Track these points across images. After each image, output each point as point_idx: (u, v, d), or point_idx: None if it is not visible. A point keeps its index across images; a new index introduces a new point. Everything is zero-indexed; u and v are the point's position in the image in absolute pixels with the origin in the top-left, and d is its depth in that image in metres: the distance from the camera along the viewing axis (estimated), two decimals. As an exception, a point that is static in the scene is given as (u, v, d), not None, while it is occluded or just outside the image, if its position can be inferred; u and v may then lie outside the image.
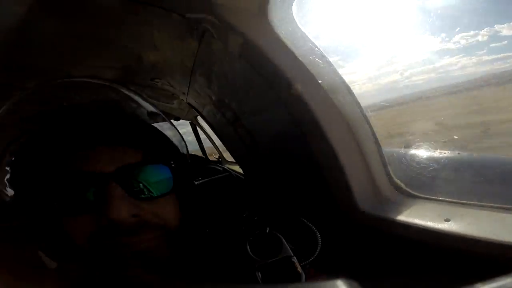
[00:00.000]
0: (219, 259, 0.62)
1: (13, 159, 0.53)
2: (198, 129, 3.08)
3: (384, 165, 1.03)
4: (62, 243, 0.50)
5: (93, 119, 0.52)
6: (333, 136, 0.90)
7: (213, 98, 1.41)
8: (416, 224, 0.77)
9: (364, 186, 0.96)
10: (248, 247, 0.59)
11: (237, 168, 2.58)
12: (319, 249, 0.64)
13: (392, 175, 1.02)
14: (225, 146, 2.16)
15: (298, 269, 0.56)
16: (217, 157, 3.26)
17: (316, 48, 0.77)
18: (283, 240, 0.62)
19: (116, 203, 0.44)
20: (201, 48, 0.84)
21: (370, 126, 1.00)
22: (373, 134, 1.00)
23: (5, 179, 0.54)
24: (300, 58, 0.75)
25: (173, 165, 0.55)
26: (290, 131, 1.04)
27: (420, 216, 0.80)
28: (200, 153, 3.63)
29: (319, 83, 0.79)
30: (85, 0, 0.68)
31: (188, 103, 1.88)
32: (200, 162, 3.44)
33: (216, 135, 2.20)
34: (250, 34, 0.72)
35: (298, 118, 0.92)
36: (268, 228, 0.64)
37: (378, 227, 0.86)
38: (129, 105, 0.61)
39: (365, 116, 0.99)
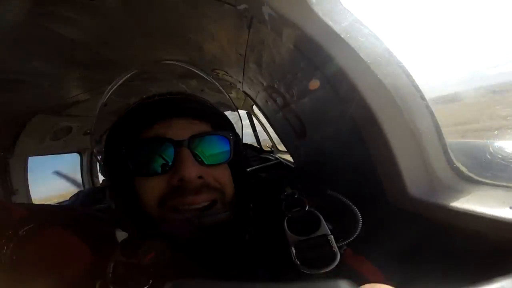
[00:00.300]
0: (259, 233, 0.67)
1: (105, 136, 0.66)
2: (254, 119, 3.22)
3: (445, 150, 0.94)
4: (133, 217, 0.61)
5: (169, 98, 0.64)
6: (384, 118, 0.86)
7: (264, 84, 1.49)
8: (473, 211, 0.70)
9: (417, 171, 0.90)
10: (285, 224, 0.63)
11: (288, 157, 2.63)
12: (358, 231, 0.64)
13: (454, 161, 0.93)
14: (276, 133, 2.23)
15: (333, 248, 0.58)
16: (270, 146, 3.36)
17: (367, 30, 0.75)
18: (322, 219, 0.64)
19: (188, 164, 0.54)
20: (251, 36, 0.92)
21: (429, 109, 0.92)
22: (432, 118, 0.92)
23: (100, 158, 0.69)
24: (349, 43, 0.74)
25: (231, 140, 0.64)
26: (338, 112, 1.04)
27: (480, 202, 0.71)
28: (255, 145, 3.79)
29: (368, 66, 0.77)
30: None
31: (244, 92, 2.01)
32: (255, 151, 3.60)
33: (268, 123, 2.29)
34: (296, 18, 0.76)
35: (345, 98, 0.92)
36: (307, 207, 0.67)
37: (427, 213, 0.81)
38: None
39: (423, 99, 0.92)
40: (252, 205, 0.73)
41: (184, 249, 0.55)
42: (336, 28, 0.64)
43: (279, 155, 3.08)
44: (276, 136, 2.41)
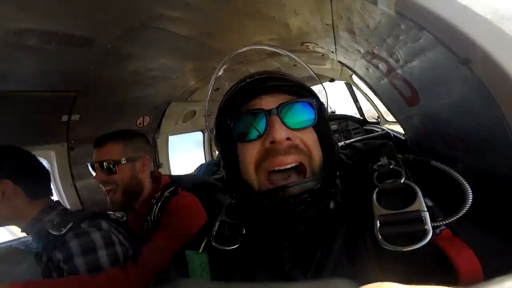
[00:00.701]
0: (346, 203, 0.66)
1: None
2: (355, 89, 2.93)
3: None
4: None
5: (258, 78, 0.71)
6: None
7: (362, 51, 1.32)
8: None
9: None
10: (374, 195, 0.60)
11: (399, 128, 2.29)
12: (464, 210, 0.55)
13: None
14: (382, 103, 1.96)
15: (426, 226, 0.52)
16: (376, 117, 3.00)
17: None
18: (419, 192, 0.57)
19: (277, 128, 0.61)
20: (335, 4, 0.83)
21: None
22: None
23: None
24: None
25: (314, 106, 0.66)
26: (457, 72, 0.82)
27: None
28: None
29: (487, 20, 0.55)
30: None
31: (339, 62, 1.85)
32: (357, 123, 3.32)
33: (372, 92, 2.04)
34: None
35: (464, 58, 0.71)
36: (403, 179, 0.61)
37: None
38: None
39: None
40: (342, 174, 0.73)
41: (275, 214, 0.61)
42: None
43: (386, 126, 2.74)
44: (383, 106, 2.13)
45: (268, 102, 0.65)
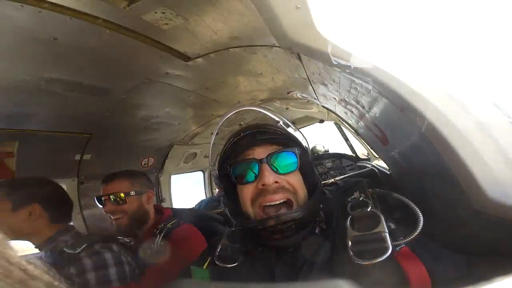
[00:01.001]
0: (328, 229, 0.80)
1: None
2: (344, 128, 3.16)
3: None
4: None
5: (251, 133, 0.90)
6: (443, 121, 0.80)
7: (337, 99, 1.55)
8: None
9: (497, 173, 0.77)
10: (348, 221, 0.74)
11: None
12: (417, 231, 0.68)
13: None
14: (364, 142, 2.16)
15: (386, 244, 0.65)
16: (366, 154, 3.17)
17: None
18: (382, 218, 0.71)
19: (266, 174, 0.77)
20: (305, 64, 1.07)
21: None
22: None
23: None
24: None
25: (297, 154, 0.83)
26: (403, 119, 1.01)
27: None
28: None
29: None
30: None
31: (323, 106, 2.10)
32: (351, 160, 3.48)
33: (355, 133, 2.24)
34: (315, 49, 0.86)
35: (402, 107, 0.91)
36: (370, 208, 0.76)
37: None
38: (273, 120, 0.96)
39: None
40: (324, 206, 0.86)
41: (268, 238, 0.77)
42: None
43: (376, 161, 2.89)
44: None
45: (259, 152, 0.82)
